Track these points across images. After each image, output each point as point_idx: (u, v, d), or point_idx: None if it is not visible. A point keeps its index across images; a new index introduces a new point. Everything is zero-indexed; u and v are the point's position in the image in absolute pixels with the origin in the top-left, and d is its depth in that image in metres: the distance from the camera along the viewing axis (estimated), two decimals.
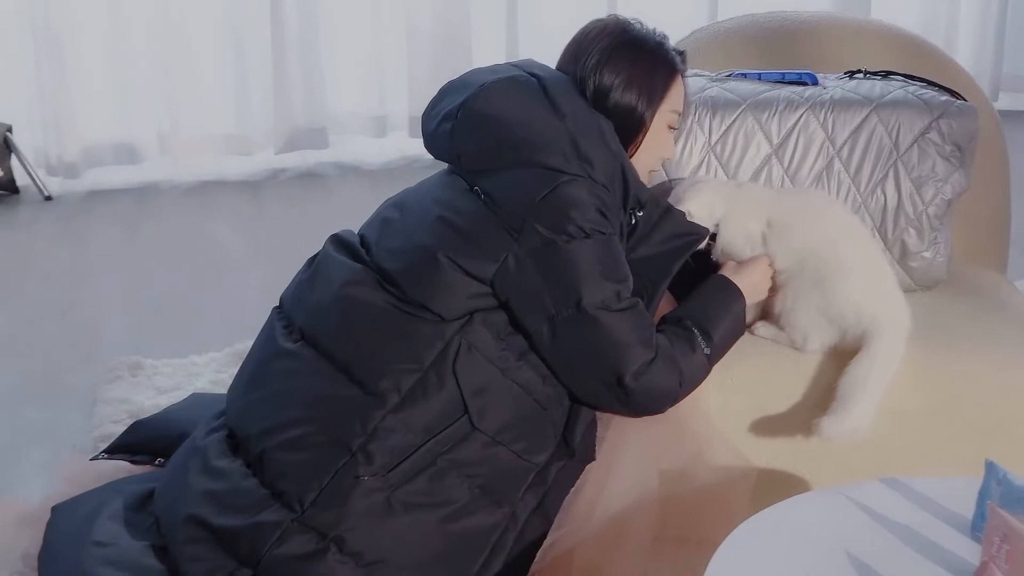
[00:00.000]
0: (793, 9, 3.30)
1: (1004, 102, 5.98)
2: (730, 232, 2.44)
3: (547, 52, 2.52)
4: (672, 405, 2.22)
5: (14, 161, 5.11)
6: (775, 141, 2.57)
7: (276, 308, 2.40)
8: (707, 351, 2.24)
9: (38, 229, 4.86)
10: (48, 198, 5.09)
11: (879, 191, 2.55)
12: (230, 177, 5.32)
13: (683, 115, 2.41)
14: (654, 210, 2.33)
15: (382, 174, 5.33)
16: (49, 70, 5.09)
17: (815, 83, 2.67)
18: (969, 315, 2.55)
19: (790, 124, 2.57)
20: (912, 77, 2.69)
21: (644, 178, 2.37)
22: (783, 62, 2.88)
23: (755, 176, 2.57)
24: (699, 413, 2.32)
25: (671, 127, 2.37)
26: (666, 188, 2.51)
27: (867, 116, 2.56)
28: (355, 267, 2.27)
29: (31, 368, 3.64)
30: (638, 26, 2.36)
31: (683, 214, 2.37)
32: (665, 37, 2.38)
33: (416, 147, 5.41)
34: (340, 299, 2.24)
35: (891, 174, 2.55)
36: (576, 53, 2.34)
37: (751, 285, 2.38)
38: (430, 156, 2.40)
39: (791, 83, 2.67)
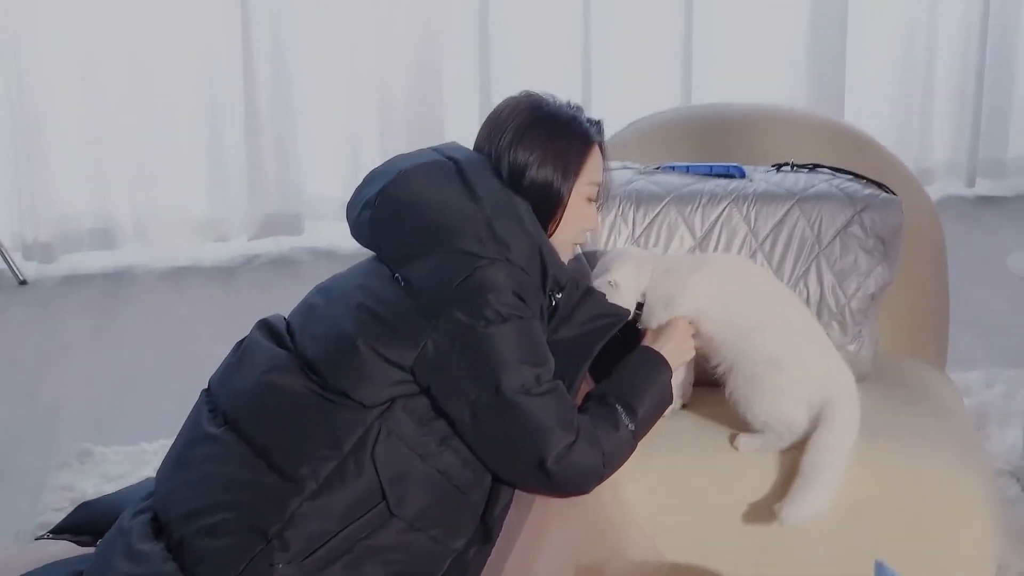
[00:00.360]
0: (751, 101, 3.34)
1: (981, 188, 5.99)
2: (655, 302, 2.43)
3: None
4: (598, 483, 2.22)
5: None
6: (698, 234, 2.58)
7: (205, 391, 2.41)
8: (631, 427, 2.24)
9: (10, 314, 4.88)
10: (23, 282, 5.12)
11: (801, 284, 2.55)
12: (205, 263, 5.34)
13: (602, 185, 2.42)
14: (574, 291, 2.34)
15: (356, 260, 5.27)
16: (26, 155, 5.15)
17: (743, 176, 2.68)
18: (894, 411, 2.54)
19: (713, 217, 2.58)
20: (838, 169, 2.70)
21: (567, 251, 2.39)
22: (720, 154, 2.90)
23: None
24: (619, 503, 2.32)
25: (590, 199, 2.38)
26: (583, 268, 2.50)
27: (789, 209, 2.57)
28: (279, 353, 2.29)
29: None
30: (551, 101, 2.39)
31: (603, 296, 2.38)
32: (579, 109, 2.40)
33: None
34: (261, 385, 2.26)
35: (813, 268, 2.55)
36: (490, 132, 2.37)
37: (673, 350, 2.37)
38: None
39: (719, 176, 2.68)
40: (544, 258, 2.26)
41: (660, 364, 2.34)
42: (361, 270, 2.35)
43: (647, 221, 2.59)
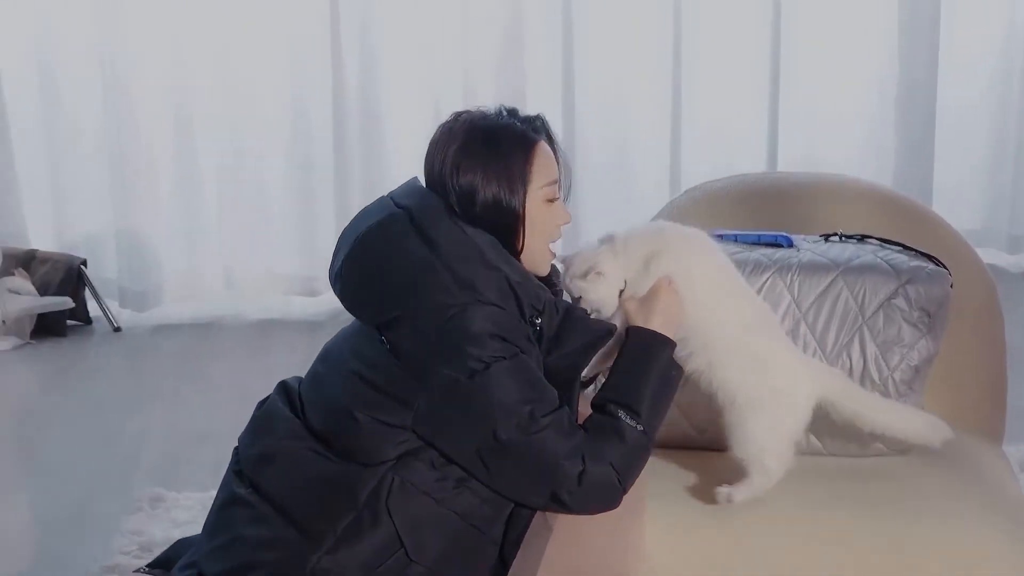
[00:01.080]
0: (813, 171, 3.35)
1: None
2: (637, 268, 2.39)
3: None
4: (623, 494, 2.23)
5: (87, 293, 5.40)
6: None
7: (235, 449, 2.50)
8: (639, 427, 2.24)
9: (102, 359, 5.08)
10: (117, 329, 5.32)
11: (845, 355, 2.57)
12: (294, 316, 5.49)
13: (560, 180, 2.35)
14: (554, 313, 2.30)
15: None
16: (125, 206, 5.40)
17: (790, 245, 2.71)
18: (937, 484, 2.52)
19: (757, 286, 2.60)
20: (888, 241, 2.72)
21: (545, 256, 2.35)
22: (776, 224, 2.90)
23: None
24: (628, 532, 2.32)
25: (551, 200, 2.32)
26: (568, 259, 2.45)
27: (833, 280, 2.60)
28: (292, 420, 2.37)
29: (65, 495, 3.81)
30: (480, 114, 2.34)
31: (584, 314, 2.34)
32: (513, 112, 2.34)
33: None
34: (276, 451, 2.35)
35: (856, 338, 2.57)
36: (431, 164, 2.33)
37: (664, 318, 2.33)
38: None
39: (766, 244, 2.72)
40: (514, 288, 2.23)
41: (654, 343, 2.31)
42: (354, 330, 2.37)
43: None
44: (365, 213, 2.37)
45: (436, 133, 2.36)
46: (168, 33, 5.33)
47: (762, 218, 2.98)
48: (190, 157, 5.40)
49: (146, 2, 5.30)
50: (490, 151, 2.28)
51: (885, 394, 2.56)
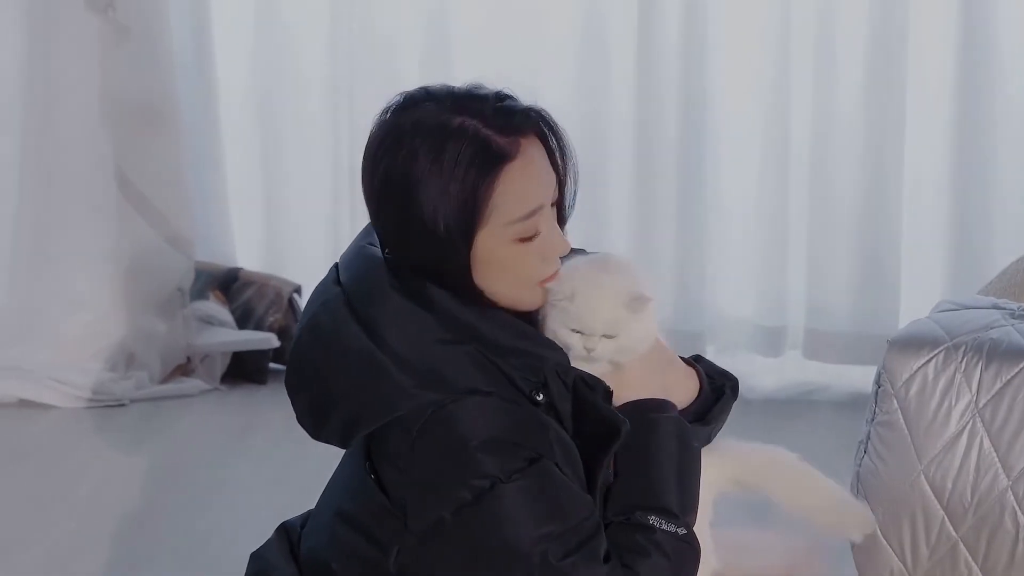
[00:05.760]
0: None
1: None
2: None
3: None
4: None
5: None
6: None
7: None
8: (681, 530, 2.08)
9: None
10: None
11: None
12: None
13: (563, 199, 2.12)
14: (563, 388, 2.07)
15: (773, 405, 5.13)
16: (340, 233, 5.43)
17: None
18: None
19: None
20: None
21: (530, 297, 2.11)
22: None
23: None
24: None
25: (524, 239, 2.06)
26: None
27: None
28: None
29: None
30: (432, 109, 2.07)
31: (595, 398, 2.09)
32: (485, 100, 2.06)
33: (812, 373, 5.34)
34: None
35: None
36: (364, 188, 2.21)
37: (662, 388, 2.13)
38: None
39: None
40: (495, 360, 2.03)
41: (654, 410, 2.11)
42: (353, 449, 2.22)
43: (998, 385, 2.32)
44: (320, 288, 2.19)
45: (372, 133, 2.10)
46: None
47: None
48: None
49: None
50: (430, 171, 2.02)
51: None
